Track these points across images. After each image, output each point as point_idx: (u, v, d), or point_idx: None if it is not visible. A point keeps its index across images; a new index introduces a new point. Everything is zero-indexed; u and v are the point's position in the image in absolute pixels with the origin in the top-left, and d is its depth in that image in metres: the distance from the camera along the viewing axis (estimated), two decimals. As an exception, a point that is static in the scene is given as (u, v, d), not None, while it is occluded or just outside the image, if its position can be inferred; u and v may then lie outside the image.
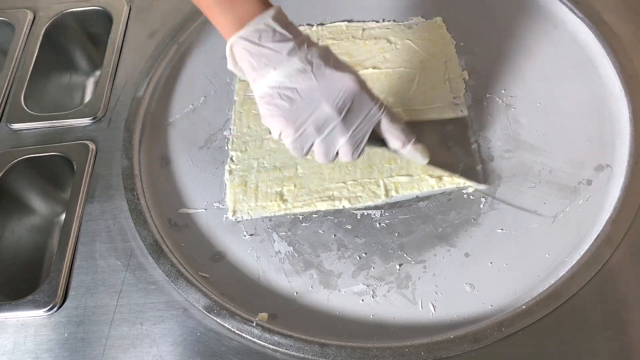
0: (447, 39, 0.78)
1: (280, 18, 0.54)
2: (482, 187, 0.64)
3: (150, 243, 0.64)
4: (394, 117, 0.57)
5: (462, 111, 0.71)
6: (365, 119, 0.55)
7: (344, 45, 0.79)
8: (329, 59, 0.55)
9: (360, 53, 0.78)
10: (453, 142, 0.68)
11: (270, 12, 0.53)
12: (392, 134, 0.57)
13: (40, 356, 0.59)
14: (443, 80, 0.74)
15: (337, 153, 0.57)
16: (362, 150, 0.57)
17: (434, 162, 0.62)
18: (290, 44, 0.53)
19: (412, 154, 0.60)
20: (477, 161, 0.66)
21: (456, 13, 0.81)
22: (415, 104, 0.72)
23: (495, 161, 0.66)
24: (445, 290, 0.58)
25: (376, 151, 0.68)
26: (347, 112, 0.54)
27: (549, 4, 0.79)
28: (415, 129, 0.60)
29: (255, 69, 0.54)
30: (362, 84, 0.56)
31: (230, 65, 0.56)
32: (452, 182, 0.65)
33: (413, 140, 0.58)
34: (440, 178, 0.65)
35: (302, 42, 0.54)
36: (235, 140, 0.72)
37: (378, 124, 0.56)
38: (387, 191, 0.65)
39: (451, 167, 0.65)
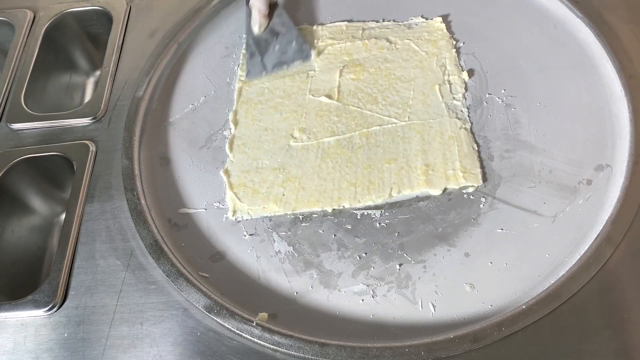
0: (447, 39, 0.78)
1: None
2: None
3: (150, 243, 0.64)
4: None
5: (461, 111, 0.71)
6: None
7: (344, 45, 0.79)
8: None
9: (360, 53, 0.78)
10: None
11: None
12: None
13: (40, 356, 0.59)
14: (443, 80, 0.74)
15: None
16: None
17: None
18: None
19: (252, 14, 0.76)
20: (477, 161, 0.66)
21: (456, 13, 0.81)
22: (415, 104, 0.72)
23: (495, 161, 0.66)
24: (445, 290, 0.58)
25: (376, 152, 0.68)
26: None
27: (549, 4, 0.79)
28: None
29: None
30: None
31: None
32: (454, 182, 0.65)
33: (256, 6, 0.76)
34: (440, 178, 0.65)
35: None
36: (235, 140, 0.72)
37: None
38: (387, 191, 0.65)
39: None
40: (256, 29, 0.77)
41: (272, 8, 0.78)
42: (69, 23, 0.90)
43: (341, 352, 0.54)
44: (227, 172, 0.69)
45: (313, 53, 0.77)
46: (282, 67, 0.77)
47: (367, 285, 0.59)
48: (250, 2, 0.76)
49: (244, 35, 0.79)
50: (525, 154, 0.66)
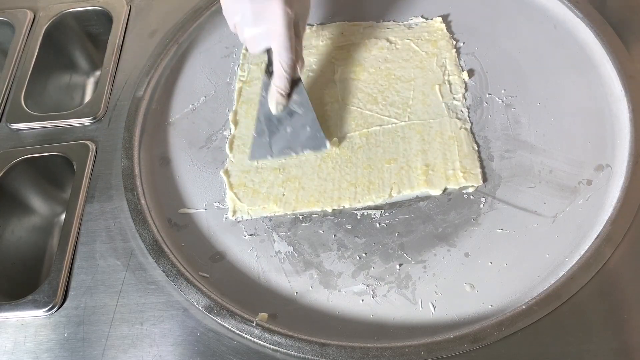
0: (447, 39, 0.78)
1: None
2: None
3: (150, 243, 0.64)
4: (284, 53, 0.63)
5: (461, 111, 0.71)
6: (266, 26, 0.63)
7: (344, 45, 0.79)
8: None
9: (360, 53, 0.78)
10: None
11: None
12: (274, 62, 0.65)
13: (40, 356, 0.59)
14: (443, 80, 0.74)
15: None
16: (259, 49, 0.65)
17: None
18: None
19: (270, 91, 0.67)
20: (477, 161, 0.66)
21: (456, 13, 0.81)
22: (415, 104, 0.72)
23: (495, 161, 0.66)
24: (445, 290, 0.58)
25: (376, 152, 0.68)
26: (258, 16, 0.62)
27: (549, 4, 0.79)
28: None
29: None
30: (287, 16, 0.62)
31: None
32: (454, 182, 0.65)
33: (279, 87, 0.65)
34: (440, 178, 0.65)
35: None
36: (235, 140, 0.72)
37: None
38: (387, 191, 0.65)
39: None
40: (274, 109, 0.67)
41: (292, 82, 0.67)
42: (69, 23, 0.90)
43: (341, 352, 0.54)
44: (227, 172, 0.69)
45: (328, 143, 0.68)
46: (290, 153, 0.69)
47: (367, 286, 0.59)
48: (273, 78, 0.66)
49: (258, 110, 0.69)
50: (525, 154, 0.66)
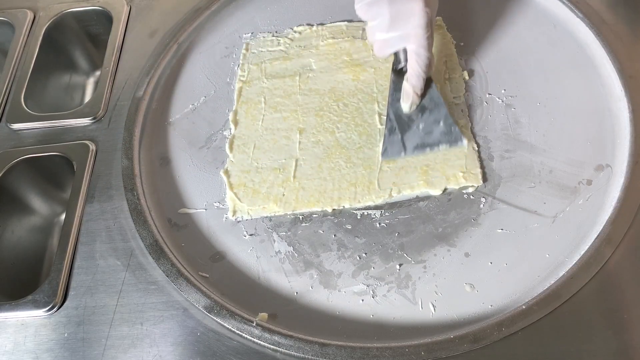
0: (447, 39, 0.78)
1: None
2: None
3: (150, 243, 0.64)
4: (422, 53, 0.62)
5: (462, 111, 0.71)
6: (403, 29, 0.62)
7: (344, 45, 0.79)
8: None
9: (360, 53, 0.78)
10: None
11: None
12: (410, 62, 0.64)
13: (40, 356, 0.59)
14: (443, 80, 0.74)
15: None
16: (389, 53, 0.65)
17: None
18: None
19: (404, 91, 0.66)
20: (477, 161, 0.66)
21: (456, 13, 0.81)
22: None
23: (495, 161, 0.66)
24: (445, 290, 0.58)
25: (376, 152, 0.68)
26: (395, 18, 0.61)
27: (549, 4, 0.79)
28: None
29: None
30: (427, 16, 0.61)
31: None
32: (454, 182, 0.65)
33: (415, 86, 0.65)
34: (441, 178, 0.65)
35: None
36: (235, 140, 0.72)
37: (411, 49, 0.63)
38: (387, 191, 0.65)
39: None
40: (407, 108, 0.67)
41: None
42: (69, 23, 0.90)
43: (341, 352, 0.54)
44: (227, 172, 0.69)
45: (464, 138, 0.67)
46: (425, 150, 0.67)
47: (367, 286, 0.59)
48: (407, 77, 0.65)
49: (387, 108, 0.68)
50: (525, 154, 0.66)
